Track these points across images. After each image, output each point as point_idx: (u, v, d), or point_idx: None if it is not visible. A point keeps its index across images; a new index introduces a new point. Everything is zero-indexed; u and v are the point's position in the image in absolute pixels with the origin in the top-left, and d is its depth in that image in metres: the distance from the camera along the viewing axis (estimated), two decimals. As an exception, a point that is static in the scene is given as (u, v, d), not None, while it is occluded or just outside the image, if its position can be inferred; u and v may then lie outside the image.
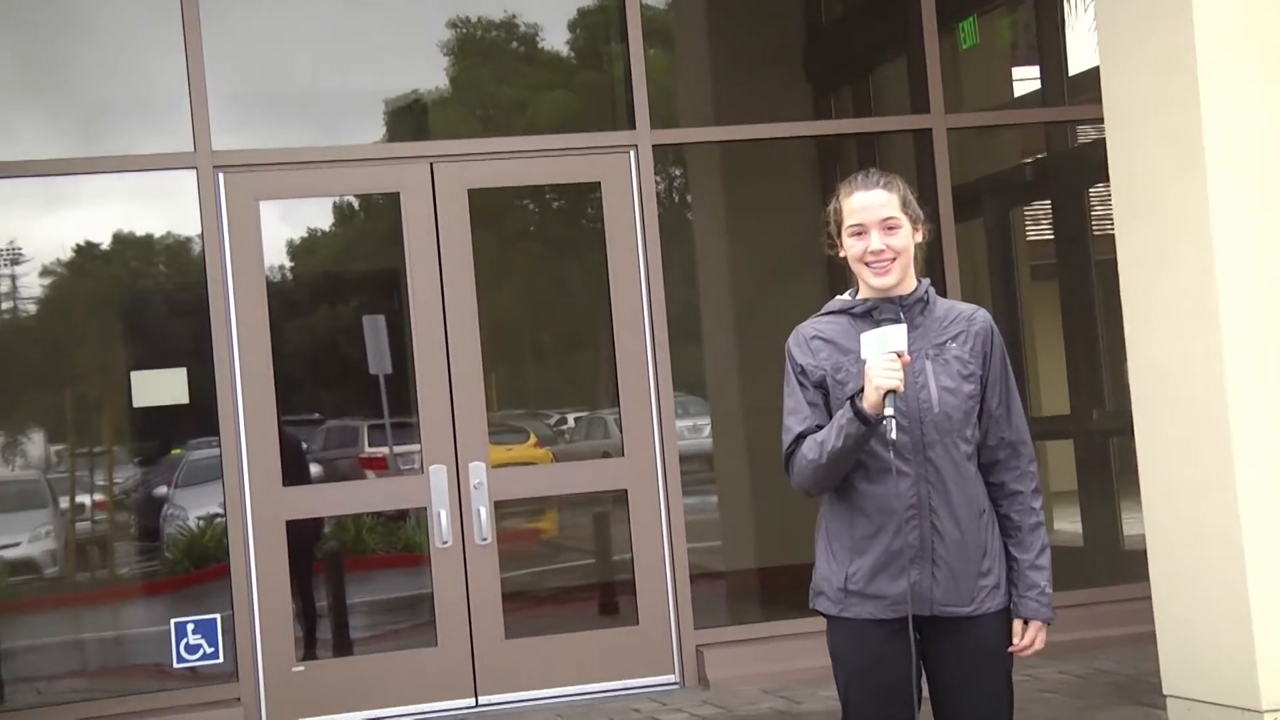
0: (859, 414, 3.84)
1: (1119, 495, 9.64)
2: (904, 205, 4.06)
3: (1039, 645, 4.08)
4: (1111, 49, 7.14)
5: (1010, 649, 4.06)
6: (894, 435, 3.82)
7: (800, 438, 4.00)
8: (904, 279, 4.04)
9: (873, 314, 4.01)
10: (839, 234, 4.10)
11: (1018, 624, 4.06)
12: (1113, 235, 7.29)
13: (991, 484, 4.08)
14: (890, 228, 4.01)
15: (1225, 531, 6.60)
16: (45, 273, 9.00)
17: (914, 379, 3.97)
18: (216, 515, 8.46)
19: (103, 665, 9.05)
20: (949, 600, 3.99)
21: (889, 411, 3.80)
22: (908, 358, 3.86)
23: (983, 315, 4.13)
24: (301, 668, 8.07)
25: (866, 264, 4.01)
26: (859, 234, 4.03)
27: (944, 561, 3.97)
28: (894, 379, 3.81)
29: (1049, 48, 9.73)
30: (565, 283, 11.08)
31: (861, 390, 3.87)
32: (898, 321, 3.94)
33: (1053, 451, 10.15)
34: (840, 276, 4.27)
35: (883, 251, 3.99)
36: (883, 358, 3.83)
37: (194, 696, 7.95)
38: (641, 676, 8.30)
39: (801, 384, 4.04)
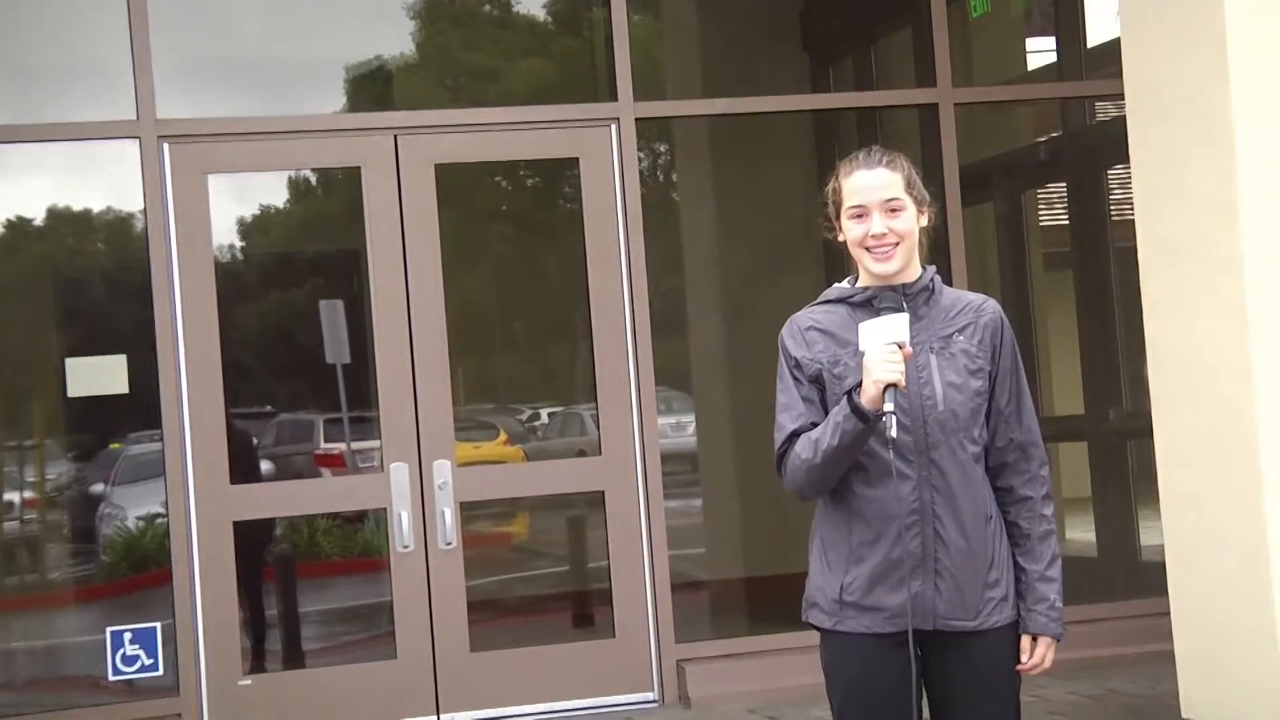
0: (856, 410, 3.84)
1: (1136, 502, 9.66)
2: (908, 186, 4.06)
3: (1048, 663, 4.09)
4: (1133, 19, 7.15)
5: (1018, 667, 4.07)
6: (894, 433, 3.82)
7: (794, 436, 4.00)
8: (907, 266, 4.04)
9: (873, 303, 4.01)
10: (837, 216, 4.10)
11: (1025, 640, 4.07)
12: (1133, 221, 7.31)
13: (999, 488, 4.09)
14: (893, 210, 4.01)
15: (1251, 542, 6.62)
16: (-28, 250, 8.99)
17: (917, 374, 3.97)
18: (158, 515, 8.45)
19: (32, 677, 9.03)
20: (953, 613, 3.99)
21: (889, 408, 3.80)
22: (910, 350, 3.86)
23: (992, 306, 4.13)
24: (249, 681, 8.05)
25: (867, 249, 4.01)
26: (859, 216, 4.03)
27: (948, 571, 3.98)
28: (894, 372, 3.81)
29: (1066, 17, 9.74)
30: (539, 267, 11.07)
31: (860, 385, 3.87)
32: (899, 310, 3.94)
33: (1065, 455, 10.17)
34: (838, 263, 4.27)
35: (885, 235, 3.99)
36: (882, 349, 3.83)
37: (131, 712, 7.93)
38: (618, 694, 8.30)
39: (796, 378, 4.04)
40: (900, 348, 3.84)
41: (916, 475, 3.96)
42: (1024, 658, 4.07)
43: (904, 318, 3.88)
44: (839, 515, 4.04)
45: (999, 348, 4.07)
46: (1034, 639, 4.06)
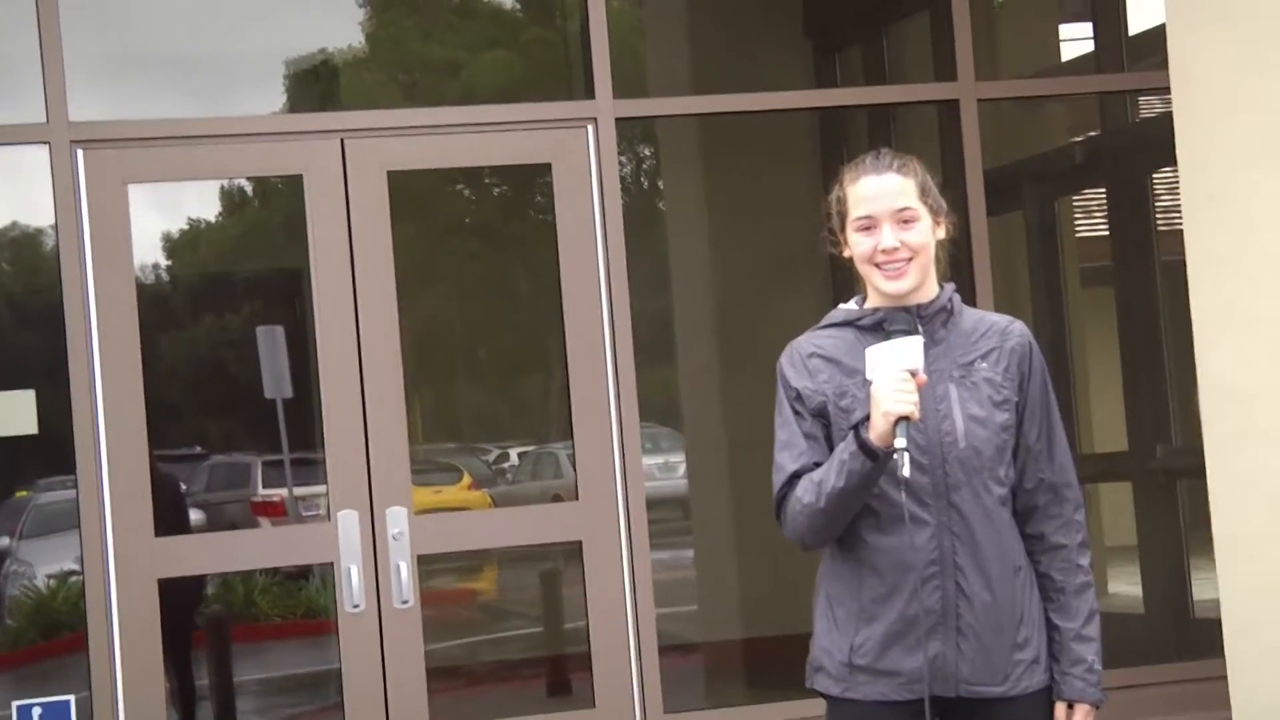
0: (864, 447, 3.84)
1: (1188, 551, 9.66)
2: (922, 193, 4.08)
3: None
4: (1180, 2, 7.17)
5: None
6: (907, 472, 3.82)
7: (795, 477, 4.00)
8: (923, 284, 4.05)
9: (883, 325, 4.02)
10: (842, 229, 4.11)
11: (1060, 708, 4.08)
12: (1181, 230, 7.31)
13: (1028, 535, 4.10)
14: (905, 221, 4.02)
15: (1317, 596, 6.62)
16: None
17: (935, 405, 3.98)
18: (71, 573, 8.43)
19: (-72, 759, 8.99)
20: (978, 678, 4.00)
21: (900, 443, 3.80)
22: (924, 377, 3.87)
23: (1019, 329, 4.14)
24: (177, 762, 8.03)
25: (877, 265, 4.02)
26: (867, 229, 4.04)
27: (971, 631, 3.98)
28: (907, 404, 3.81)
29: (1104, 1, 9.77)
30: (507, 286, 11.08)
31: (868, 418, 3.87)
32: (912, 333, 3.94)
33: (1107, 497, 10.17)
34: (845, 281, 4.27)
35: (897, 250, 4.00)
36: (893, 378, 3.83)
37: (43, 798, 7.90)
38: (599, 773, 8.29)
39: (797, 412, 4.05)
40: (913, 375, 3.84)
41: (935, 521, 3.96)
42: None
43: (917, 341, 3.89)
44: (847, 567, 4.04)
45: (1027, 376, 4.08)
46: (1070, 706, 4.07)
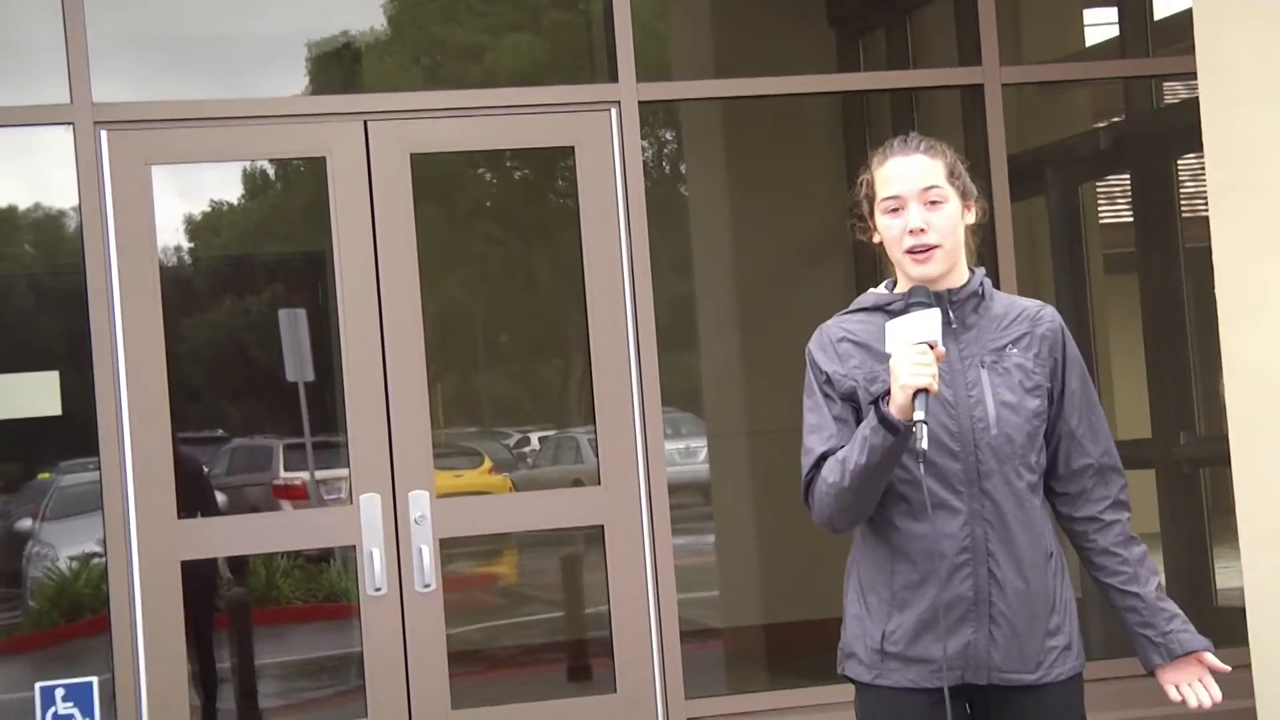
0: (884, 420, 3.82)
1: (1211, 540, 9.64)
2: (950, 175, 4.07)
3: (1223, 666, 4.14)
4: (1207, -13, 7.14)
5: (1207, 698, 4.09)
6: (924, 445, 3.80)
7: (823, 460, 3.99)
8: (953, 269, 4.04)
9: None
10: (871, 213, 4.09)
11: (1172, 672, 4.10)
12: (1206, 217, 7.29)
13: (1080, 518, 4.12)
14: (933, 202, 4.01)
15: (1343, 584, 6.60)
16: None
17: (967, 392, 3.96)
18: (94, 555, 8.43)
19: (-49, 740, 9.01)
20: (1010, 665, 3.99)
21: (919, 416, 3.78)
22: (942, 350, 3.85)
23: (1050, 313, 4.13)
24: (199, 744, 8.04)
25: (907, 251, 3.99)
26: (895, 210, 4.02)
27: (1004, 618, 3.97)
28: (925, 376, 3.80)
29: (1129, -15, 9.74)
30: (530, 271, 11.07)
31: (888, 393, 3.86)
32: (930, 306, 3.92)
33: (1130, 484, 10.12)
34: (871, 266, 4.26)
35: (924, 231, 3.98)
36: (911, 350, 3.82)
37: (64, 779, 7.92)
38: (620, 758, 8.29)
39: (826, 395, 4.03)
40: (931, 348, 3.83)
41: (967, 509, 3.95)
42: (1183, 691, 4.10)
43: (935, 313, 3.87)
44: (880, 553, 4.03)
45: (1060, 363, 4.07)
46: (1186, 660, 4.11)
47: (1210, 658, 4.15)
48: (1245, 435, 7.07)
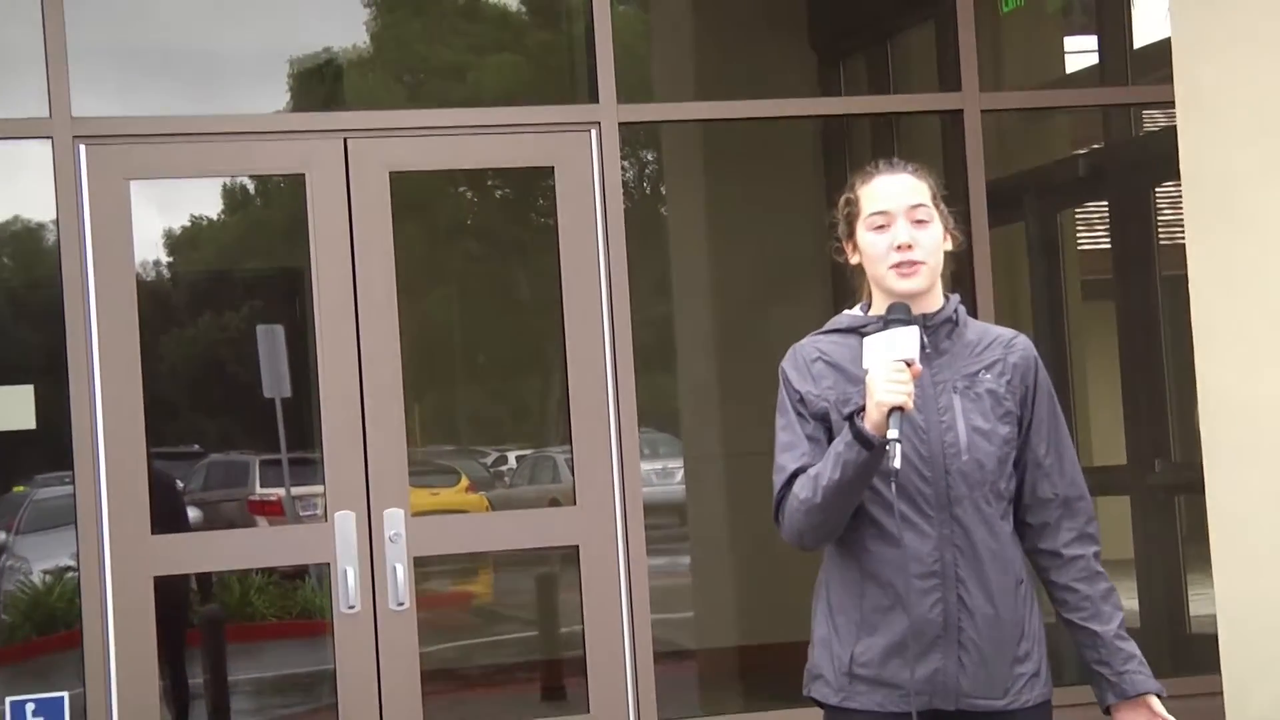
0: (859, 436, 3.82)
1: (1186, 567, 9.65)
2: (935, 199, 4.07)
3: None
4: (1186, 16, 7.16)
5: None
6: (897, 463, 3.80)
7: (795, 476, 3.98)
8: (930, 290, 4.04)
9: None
10: (849, 235, 4.09)
11: (1125, 709, 4.09)
12: (1182, 245, 7.30)
13: (1043, 550, 4.11)
14: (920, 220, 4.01)
15: (1315, 613, 6.61)
16: None
17: (939, 417, 3.96)
18: (67, 569, 8.40)
19: (-80, 754, 8.97)
20: (978, 691, 3.99)
21: (893, 434, 3.78)
22: (919, 368, 3.85)
23: (1023, 342, 4.13)
24: (170, 761, 8.01)
25: (892, 266, 3.99)
26: (881, 226, 4.02)
27: (973, 644, 3.97)
28: (900, 394, 3.79)
29: (1110, 14, 9.76)
30: (508, 290, 11.06)
31: (863, 408, 3.86)
32: (909, 323, 3.92)
33: (1105, 511, 10.05)
34: (845, 289, 4.25)
35: (911, 246, 3.98)
36: (887, 367, 3.81)
37: (35, 794, 7.89)
38: (592, 779, 8.28)
39: (799, 414, 4.03)
40: (908, 365, 3.82)
41: (937, 533, 3.95)
42: None
43: (913, 331, 3.87)
44: (849, 576, 4.02)
45: (1031, 391, 4.07)
46: (1134, 702, 4.09)
47: (1156, 704, 4.13)
48: (1219, 463, 7.08)
